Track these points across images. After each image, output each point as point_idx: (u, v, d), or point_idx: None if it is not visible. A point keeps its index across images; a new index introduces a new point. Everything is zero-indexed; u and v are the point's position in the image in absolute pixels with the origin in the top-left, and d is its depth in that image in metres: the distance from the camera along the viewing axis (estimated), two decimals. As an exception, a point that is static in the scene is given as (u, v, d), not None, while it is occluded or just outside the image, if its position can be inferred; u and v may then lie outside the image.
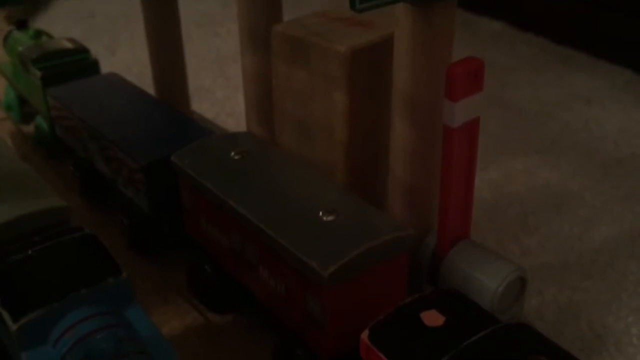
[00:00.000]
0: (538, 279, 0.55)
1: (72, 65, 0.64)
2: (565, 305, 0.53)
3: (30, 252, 0.37)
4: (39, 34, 0.71)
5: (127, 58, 0.95)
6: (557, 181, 0.69)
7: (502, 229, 0.62)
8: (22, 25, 0.73)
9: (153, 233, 0.54)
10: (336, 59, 0.44)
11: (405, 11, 0.40)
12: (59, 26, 1.01)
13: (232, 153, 0.48)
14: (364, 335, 0.36)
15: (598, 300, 0.53)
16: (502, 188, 0.68)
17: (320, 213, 0.42)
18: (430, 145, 0.43)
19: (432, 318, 0.36)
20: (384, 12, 0.47)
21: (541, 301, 0.53)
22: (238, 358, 0.47)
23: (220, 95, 0.87)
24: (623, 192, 0.66)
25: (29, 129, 0.72)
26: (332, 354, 0.41)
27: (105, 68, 0.70)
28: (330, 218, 0.41)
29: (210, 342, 0.48)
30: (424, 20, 0.39)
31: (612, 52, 0.92)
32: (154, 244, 0.55)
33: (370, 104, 0.46)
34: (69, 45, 0.66)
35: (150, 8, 0.60)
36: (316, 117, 0.48)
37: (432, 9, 0.39)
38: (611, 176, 0.69)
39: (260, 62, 0.53)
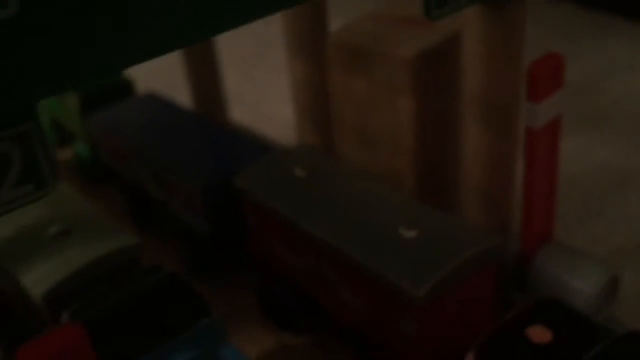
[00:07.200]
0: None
1: (107, 87, 0.62)
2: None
3: (115, 299, 0.36)
4: None
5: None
6: (615, 159, 0.67)
7: (566, 214, 0.60)
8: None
9: (214, 256, 0.53)
10: (400, 65, 0.42)
11: (476, 12, 0.38)
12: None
13: (296, 170, 0.46)
14: (471, 357, 0.35)
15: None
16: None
17: (400, 229, 0.40)
18: (507, 147, 0.42)
19: (539, 334, 0.34)
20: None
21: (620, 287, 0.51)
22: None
23: (249, 99, 0.85)
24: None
25: (65, 154, 0.71)
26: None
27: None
28: (411, 234, 0.40)
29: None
30: (496, 20, 0.37)
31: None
32: (214, 268, 0.54)
33: (436, 108, 0.45)
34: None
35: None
36: (379, 125, 0.46)
37: (504, 7, 0.37)
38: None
39: (310, 69, 0.51)
